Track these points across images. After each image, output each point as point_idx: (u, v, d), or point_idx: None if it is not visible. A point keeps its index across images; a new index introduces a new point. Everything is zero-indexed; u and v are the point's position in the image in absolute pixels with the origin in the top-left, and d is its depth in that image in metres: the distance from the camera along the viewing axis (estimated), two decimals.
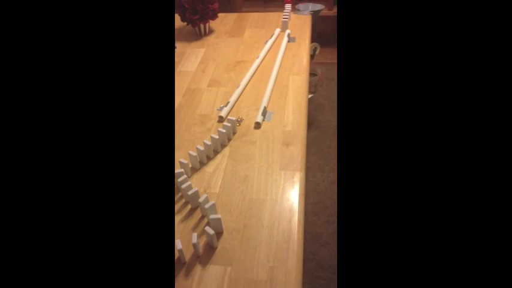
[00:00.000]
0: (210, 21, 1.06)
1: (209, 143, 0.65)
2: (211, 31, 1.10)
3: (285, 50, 0.97)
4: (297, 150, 0.68)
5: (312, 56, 1.33)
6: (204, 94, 0.84)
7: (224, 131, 0.68)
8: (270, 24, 1.11)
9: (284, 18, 1.05)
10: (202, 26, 1.06)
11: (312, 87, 1.48)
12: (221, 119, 0.76)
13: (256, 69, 0.91)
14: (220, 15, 1.19)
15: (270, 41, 1.00)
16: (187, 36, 1.09)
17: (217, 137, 0.67)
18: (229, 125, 0.69)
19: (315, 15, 1.58)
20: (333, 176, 1.38)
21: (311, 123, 1.66)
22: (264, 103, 0.77)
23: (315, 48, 1.35)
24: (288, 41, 1.01)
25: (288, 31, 1.04)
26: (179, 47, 1.03)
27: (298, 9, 1.67)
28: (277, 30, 1.05)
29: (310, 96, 1.48)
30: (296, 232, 0.54)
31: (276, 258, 0.51)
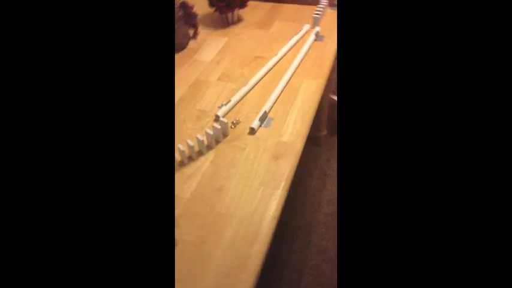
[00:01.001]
0: (239, 9, 1.01)
1: (192, 143, 0.62)
2: (239, 20, 1.05)
3: (309, 49, 0.90)
4: (286, 166, 0.62)
5: None
6: (210, 88, 0.80)
7: (212, 133, 0.63)
8: (302, 18, 1.03)
9: (316, 13, 0.96)
10: (230, 14, 1.01)
11: None
12: (217, 118, 0.71)
13: (272, 68, 0.85)
14: (253, 3, 1.13)
15: (295, 38, 0.93)
16: (214, 22, 1.05)
17: (202, 138, 0.63)
18: (219, 127, 0.64)
19: None
20: None
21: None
22: (266, 107, 0.71)
23: None
24: (315, 40, 0.93)
25: (317, 28, 0.95)
26: (203, 33, 1.00)
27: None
28: (307, 26, 0.97)
29: None
30: (254, 260, 0.49)
31: (220, 286, 0.46)
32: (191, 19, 0.93)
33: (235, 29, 1.01)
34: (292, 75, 0.81)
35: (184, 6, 0.92)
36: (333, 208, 1.20)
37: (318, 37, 0.94)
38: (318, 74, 0.81)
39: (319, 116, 1.33)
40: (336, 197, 1.23)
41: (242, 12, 1.08)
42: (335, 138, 1.43)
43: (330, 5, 1.07)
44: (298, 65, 0.84)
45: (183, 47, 0.93)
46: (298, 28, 0.98)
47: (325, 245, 1.14)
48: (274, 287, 1.04)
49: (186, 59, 0.90)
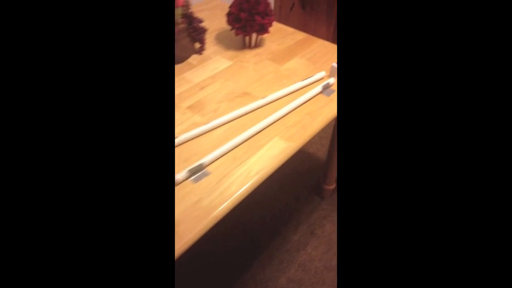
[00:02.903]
0: (260, 34, 0.91)
1: None
2: (258, 45, 0.95)
3: (305, 102, 0.76)
4: (182, 234, 0.52)
5: None
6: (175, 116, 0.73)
7: None
8: (328, 61, 0.89)
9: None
10: (247, 37, 0.92)
11: None
12: None
13: (250, 112, 0.74)
14: (289, 30, 1.02)
15: (299, 84, 0.80)
16: (231, 41, 0.96)
17: None
18: None
19: None
20: None
21: None
22: (206, 159, 0.62)
23: None
24: (321, 92, 0.79)
25: (331, 80, 0.81)
26: (212, 50, 0.92)
27: None
28: (321, 74, 0.83)
29: None
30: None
31: None
32: (197, 33, 0.86)
33: (247, 55, 0.92)
34: (265, 127, 0.70)
35: (189, 18, 0.85)
36: (300, 275, 1.05)
37: (326, 90, 0.80)
38: (295, 136, 0.68)
39: (327, 168, 1.17)
40: (310, 265, 1.07)
41: (267, 37, 0.98)
42: None
43: None
44: (279, 118, 0.72)
45: (179, 60, 0.86)
46: (315, 71, 0.85)
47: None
48: None
49: (176, 74, 0.84)
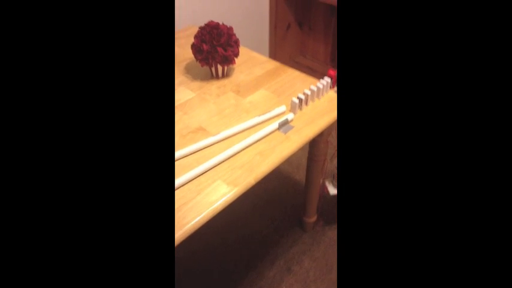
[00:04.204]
0: (226, 65, 0.88)
1: None
2: (226, 75, 0.92)
3: (258, 140, 0.72)
4: None
5: None
6: None
7: None
8: (294, 93, 0.85)
9: (300, 96, 0.78)
10: (212, 68, 0.89)
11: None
12: None
13: (197, 151, 0.70)
14: (262, 58, 0.99)
15: (256, 120, 0.76)
16: (201, 71, 0.94)
17: None
18: None
19: None
20: None
21: None
22: None
23: None
24: (278, 129, 0.75)
25: (289, 116, 0.77)
26: (177, 80, 0.90)
27: None
28: (282, 108, 0.79)
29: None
30: None
31: None
32: None
33: (212, 86, 0.89)
34: (209, 169, 0.66)
35: None
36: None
37: (284, 127, 0.75)
38: (239, 180, 0.64)
39: (306, 200, 1.12)
40: None
41: (237, 67, 0.95)
42: (325, 230, 1.19)
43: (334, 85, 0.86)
44: (227, 158, 0.68)
45: None
46: (278, 105, 0.81)
47: None
48: None
49: None
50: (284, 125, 0.75)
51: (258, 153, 0.70)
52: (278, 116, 0.78)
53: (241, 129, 0.74)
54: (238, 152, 0.70)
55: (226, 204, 0.61)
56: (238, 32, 1.63)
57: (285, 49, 1.89)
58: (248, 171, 0.66)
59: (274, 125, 0.74)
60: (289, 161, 1.46)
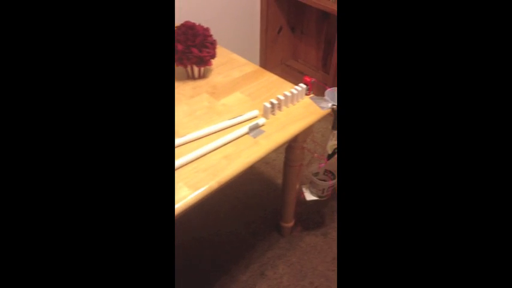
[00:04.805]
0: (202, 66, 0.87)
1: None
2: (203, 76, 0.92)
3: (227, 143, 0.71)
4: None
5: (328, 157, 0.98)
6: None
7: None
8: (271, 97, 0.84)
9: (272, 101, 0.77)
10: (188, 67, 0.88)
11: (319, 192, 1.09)
12: None
13: None
14: (242, 61, 0.98)
15: (226, 123, 0.75)
16: (178, 71, 0.93)
17: None
18: None
19: None
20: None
21: None
22: None
23: (336, 149, 0.97)
24: (248, 133, 0.74)
25: (262, 120, 0.76)
26: None
27: (319, 98, 0.85)
28: (254, 113, 0.78)
29: (313, 198, 1.09)
30: None
31: None
32: None
33: (187, 87, 0.88)
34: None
35: None
36: None
37: (254, 131, 0.75)
38: (201, 183, 0.63)
39: (283, 205, 1.11)
40: None
41: (215, 68, 0.94)
42: (303, 235, 1.18)
43: (311, 93, 0.85)
44: (192, 160, 0.67)
45: None
46: (251, 109, 0.80)
47: None
48: None
49: None
50: (254, 129, 0.75)
51: (225, 156, 0.69)
52: (250, 120, 0.78)
53: (210, 131, 0.73)
54: (204, 155, 0.69)
55: (186, 207, 0.60)
56: (228, 34, 1.63)
57: (276, 52, 1.88)
58: (212, 175, 0.65)
59: (244, 128, 0.74)
60: (272, 165, 1.45)
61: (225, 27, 1.59)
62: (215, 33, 1.59)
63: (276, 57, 1.90)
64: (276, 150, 0.74)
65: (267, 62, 1.87)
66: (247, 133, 0.74)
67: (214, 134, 0.74)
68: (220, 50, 1.02)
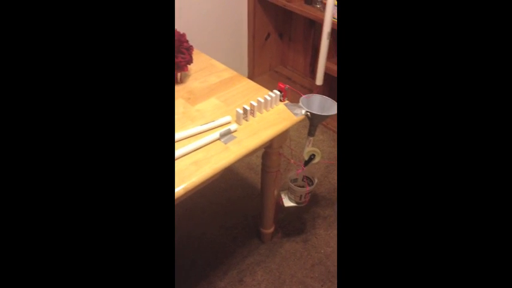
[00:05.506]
0: (178, 71, 0.87)
1: None
2: (180, 82, 0.92)
3: (197, 149, 0.71)
4: None
5: (305, 163, 0.98)
6: None
7: None
8: (245, 103, 0.84)
9: (245, 107, 0.77)
10: None
11: (297, 198, 1.08)
12: None
13: None
14: (221, 66, 0.98)
15: (198, 129, 0.75)
16: None
17: None
18: None
19: (316, 120, 0.89)
20: None
21: None
22: None
23: (312, 155, 0.97)
24: (219, 139, 0.74)
25: (234, 126, 0.76)
26: None
27: (293, 104, 0.85)
28: (226, 119, 0.78)
29: (291, 205, 1.09)
30: None
31: None
32: None
33: None
34: None
35: None
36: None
37: (226, 137, 0.75)
38: None
39: (262, 211, 1.10)
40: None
41: (192, 73, 0.95)
42: (283, 242, 1.18)
43: (285, 97, 0.85)
44: None
45: None
46: (225, 114, 0.81)
47: None
48: None
49: None
50: (226, 135, 0.75)
51: (194, 162, 0.69)
52: (222, 126, 0.78)
53: (181, 137, 0.73)
54: (176, 159, 0.69)
55: None
56: (216, 40, 1.63)
57: (265, 58, 1.89)
58: (179, 181, 0.65)
59: (215, 135, 0.74)
60: (255, 170, 1.45)
61: (213, 33, 1.60)
62: (203, 40, 1.61)
63: (264, 63, 1.91)
64: (259, 156, 0.74)
65: (256, 68, 1.88)
66: (218, 139, 0.74)
67: (185, 140, 0.74)
68: (200, 56, 1.02)
